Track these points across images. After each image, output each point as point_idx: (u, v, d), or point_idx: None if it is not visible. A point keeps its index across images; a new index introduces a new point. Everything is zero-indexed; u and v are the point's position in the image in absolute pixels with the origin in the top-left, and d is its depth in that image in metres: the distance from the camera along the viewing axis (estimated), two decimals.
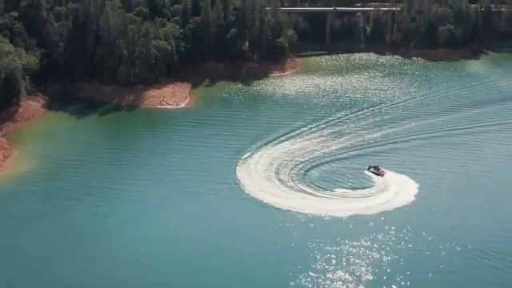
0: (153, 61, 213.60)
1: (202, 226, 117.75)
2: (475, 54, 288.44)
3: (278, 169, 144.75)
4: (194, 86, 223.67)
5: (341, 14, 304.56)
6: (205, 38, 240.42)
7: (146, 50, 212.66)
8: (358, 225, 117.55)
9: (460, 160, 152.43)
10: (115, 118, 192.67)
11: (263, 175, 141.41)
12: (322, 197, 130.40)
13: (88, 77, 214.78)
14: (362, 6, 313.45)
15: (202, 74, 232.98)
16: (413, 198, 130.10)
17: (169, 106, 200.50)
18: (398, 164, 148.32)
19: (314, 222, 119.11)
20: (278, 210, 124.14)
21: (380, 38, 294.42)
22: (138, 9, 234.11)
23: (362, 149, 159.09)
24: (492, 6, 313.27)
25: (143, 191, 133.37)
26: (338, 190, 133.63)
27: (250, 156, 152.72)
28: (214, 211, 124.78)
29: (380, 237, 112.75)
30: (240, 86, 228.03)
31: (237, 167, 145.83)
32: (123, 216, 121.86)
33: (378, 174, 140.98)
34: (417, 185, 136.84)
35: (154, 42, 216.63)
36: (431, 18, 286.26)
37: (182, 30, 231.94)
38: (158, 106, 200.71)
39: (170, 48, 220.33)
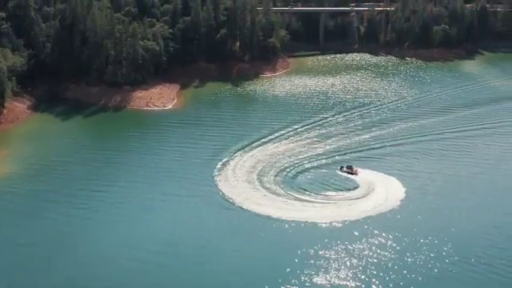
0: (140, 61, 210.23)
1: (177, 231, 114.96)
2: (470, 54, 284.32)
3: (260, 172, 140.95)
4: (183, 86, 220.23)
5: (334, 14, 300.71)
6: (195, 38, 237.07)
7: (134, 50, 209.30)
8: (341, 231, 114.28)
9: (450, 162, 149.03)
10: (100, 119, 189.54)
11: (244, 179, 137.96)
12: (304, 201, 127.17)
13: (75, 78, 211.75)
14: (356, 6, 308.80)
15: (192, 74, 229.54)
16: (399, 203, 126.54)
17: (155, 108, 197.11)
18: (385, 166, 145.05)
19: (292, 228, 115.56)
20: (257, 215, 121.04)
21: (374, 38, 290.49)
22: (126, 9, 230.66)
23: (347, 151, 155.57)
24: (488, 5, 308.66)
25: (123, 194, 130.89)
26: (321, 195, 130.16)
27: (232, 159, 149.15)
28: (190, 215, 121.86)
29: (363, 242, 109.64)
30: (229, 86, 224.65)
31: (218, 170, 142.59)
32: (101, 219, 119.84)
33: (351, 174, 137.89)
34: (404, 188, 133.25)
35: (141, 43, 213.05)
36: (425, 18, 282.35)
37: (171, 30, 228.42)
38: (145, 108, 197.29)
39: (158, 48, 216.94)
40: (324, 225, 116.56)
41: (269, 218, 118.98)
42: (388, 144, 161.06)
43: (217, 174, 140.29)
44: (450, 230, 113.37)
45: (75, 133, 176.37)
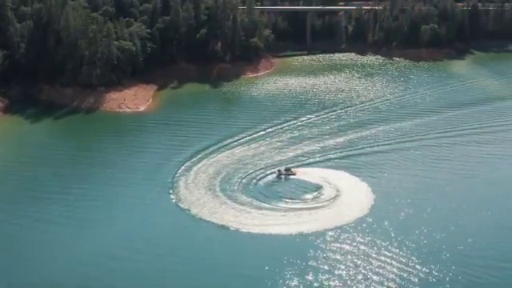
0: (115, 62, 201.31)
1: (128, 238, 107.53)
2: (460, 54, 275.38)
3: (224, 178, 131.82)
4: (161, 87, 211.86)
5: (322, 14, 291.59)
6: (174, 38, 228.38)
7: (108, 50, 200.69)
8: (303, 241, 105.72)
9: (427, 167, 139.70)
10: (70, 121, 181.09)
11: (206, 184, 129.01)
12: (268, 210, 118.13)
13: (50, 79, 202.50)
14: (345, 5, 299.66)
15: (171, 75, 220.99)
16: (366, 211, 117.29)
17: (128, 110, 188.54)
18: (357, 172, 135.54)
19: (251, 239, 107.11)
20: (214, 224, 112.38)
21: (362, 37, 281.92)
22: (104, 8, 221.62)
23: (318, 156, 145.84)
24: (479, 4, 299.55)
25: (76, 199, 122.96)
26: (285, 203, 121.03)
27: (196, 163, 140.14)
28: (143, 223, 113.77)
29: (327, 254, 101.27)
30: (208, 87, 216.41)
31: (178, 176, 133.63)
32: (44, 228, 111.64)
33: (291, 175, 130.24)
34: (373, 196, 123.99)
35: (116, 43, 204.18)
36: (414, 17, 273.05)
37: (148, 30, 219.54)
38: (117, 110, 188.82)
39: (134, 49, 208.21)
40: (277, 236, 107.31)
41: (223, 227, 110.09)
42: (362, 148, 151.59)
43: (176, 179, 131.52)
44: (411, 242, 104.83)
45: (42, 135, 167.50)
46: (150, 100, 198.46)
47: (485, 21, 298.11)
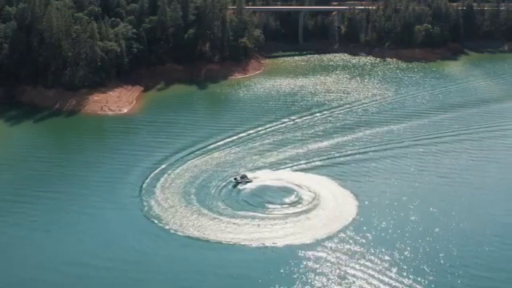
0: (99, 63, 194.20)
1: (93, 247, 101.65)
2: (454, 55, 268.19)
3: (200, 184, 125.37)
4: (146, 89, 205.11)
5: (315, 13, 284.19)
6: (162, 38, 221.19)
7: (92, 51, 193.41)
8: (273, 254, 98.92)
9: (413, 173, 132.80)
10: (49, 124, 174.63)
11: (181, 191, 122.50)
12: (242, 219, 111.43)
13: (32, 80, 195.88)
14: (338, 5, 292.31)
15: (157, 76, 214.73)
16: (349, 220, 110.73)
17: (110, 112, 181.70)
18: (340, 178, 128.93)
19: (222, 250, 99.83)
20: (181, 234, 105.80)
21: (355, 37, 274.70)
22: (89, 8, 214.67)
23: (300, 161, 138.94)
24: (474, 4, 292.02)
25: (41, 206, 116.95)
26: (260, 211, 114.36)
27: (173, 168, 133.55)
28: (110, 233, 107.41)
29: (303, 268, 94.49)
30: (195, 89, 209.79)
31: (153, 180, 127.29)
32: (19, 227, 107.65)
33: (248, 182, 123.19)
34: (356, 202, 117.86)
35: (100, 43, 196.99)
36: (407, 17, 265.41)
37: (134, 31, 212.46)
38: (99, 112, 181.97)
39: (119, 49, 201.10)
40: (249, 248, 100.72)
41: (191, 237, 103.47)
42: (346, 153, 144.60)
43: (150, 184, 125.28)
44: (388, 253, 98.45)
45: (20, 138, 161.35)
46: (134, 102, 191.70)
47: (480, 21, 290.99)
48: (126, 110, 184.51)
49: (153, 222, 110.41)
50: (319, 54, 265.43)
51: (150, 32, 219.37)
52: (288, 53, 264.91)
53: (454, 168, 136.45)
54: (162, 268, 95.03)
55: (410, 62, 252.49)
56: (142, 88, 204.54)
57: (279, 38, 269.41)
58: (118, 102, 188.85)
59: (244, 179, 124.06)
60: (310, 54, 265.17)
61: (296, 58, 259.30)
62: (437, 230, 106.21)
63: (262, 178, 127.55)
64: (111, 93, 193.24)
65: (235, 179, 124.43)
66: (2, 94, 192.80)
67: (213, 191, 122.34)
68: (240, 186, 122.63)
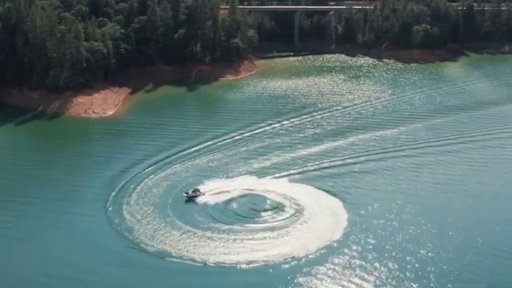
0: (84, 64, 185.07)
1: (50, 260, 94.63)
2: (454, 56, 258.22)
3: (178, 194, 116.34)
4: (134, 91, 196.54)
5: (311, 13, 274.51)
6: (151, 38, 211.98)
7: (77, 52, 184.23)
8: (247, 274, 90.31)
9: (407, 181, 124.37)
10: (31, 127, 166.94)
11: (156, 201, 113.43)
12: (218, 233, 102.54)
13: (17, 82, 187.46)
14: (335, 5, 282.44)
15: (146, 77, 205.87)
16: (340, 234, 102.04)
17: (93, 115, 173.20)
18: (329, 188, 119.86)
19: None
20: (149, 251, 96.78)
21: (352, 38, 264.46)
22: (77, 7, 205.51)
23: (287, 169, 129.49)
24: (475, 4, 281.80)
25: (18, 212, 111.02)
26: (240, 224, 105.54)
27: (150, 175, 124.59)
28: (73, 244, 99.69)
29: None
30: (184, 90, 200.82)
31: (127, 190, 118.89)
32: None
33: (199, 195, 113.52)
34: (345, 216, 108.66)
35: (86, 44, 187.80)
36: (406, 17, 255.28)
37: (122, 31, 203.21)
38: (83, 115, 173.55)
39: (105, 50, 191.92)
40: (220, 267, 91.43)
41: (159, 255, 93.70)
42: (337, 159, 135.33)
43: (123, 194, 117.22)
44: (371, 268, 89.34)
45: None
46: (120, 104, 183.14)
47: (480, 21, 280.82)
48: (110, 113, 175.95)
49: (123, 235, 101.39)
50: (315, 54, 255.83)
51: (139, 32, 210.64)
52: (283, 53, 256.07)
53: (450, 175, 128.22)
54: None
55: (408, 63, 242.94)
56: (129, 90, 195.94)
57: (274, 38, 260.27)
58: (102, 104, 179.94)
59: (196, 193, 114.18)
60: (306, 54, 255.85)
61: (291, 58, 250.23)
62: (429, 244, 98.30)
63: (232, 186, 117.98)
64: (97, 95, 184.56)
65: (186, 193, 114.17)
66: None
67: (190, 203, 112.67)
68: (192, 200, 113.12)
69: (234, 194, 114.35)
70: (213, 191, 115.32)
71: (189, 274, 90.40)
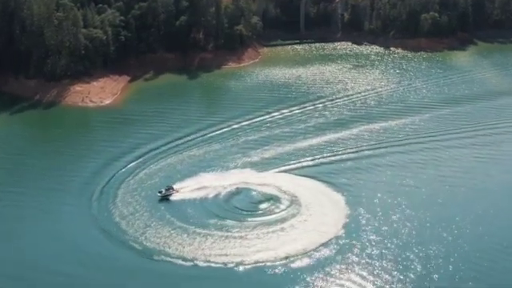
0: (83, 51, 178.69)
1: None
2: (462, 45, 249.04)
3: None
4: (134, 79, 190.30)
5: (317, 0, 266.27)
6: (152, 25, 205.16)
7: (75, 39, 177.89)
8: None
9: (411, 175, 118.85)
10: (26, 116, 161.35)
11: (148, 194, 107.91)
12: (211, 229, 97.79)
13: (15, 70, 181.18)
14: None
15: (147, 65, 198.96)
16: (341, 230, 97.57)
17: (90, 104, 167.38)
18: (328, 182, 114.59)
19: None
20: (137, 249, 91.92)
21: (358, 26, 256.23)
22: None
23: (285, 161, 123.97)
24: None
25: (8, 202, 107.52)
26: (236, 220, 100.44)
27: (142, 167, 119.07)
28: (56, 237, 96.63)
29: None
30: (185, 78, 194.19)
31: (117, 182, 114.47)
32: None
33: (173, 193, 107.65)
34: (346, 212, 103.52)
35: (85, 31, 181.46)
36: (413, 5, 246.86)
37: (122, 18, 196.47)
38: (80, 104, 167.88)
39: (104, 37, 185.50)
40: (212, 268, 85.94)
41: (145, 253, 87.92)
42: (338, 152, 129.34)
43: (113, 186, 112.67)
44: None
45: None
46: (118, 93, 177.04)
47: (490, 9, 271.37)
48: (108, 102, 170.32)
49: (111, 229, 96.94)
50: (321, 42, 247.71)
51: (140, 19, 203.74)
52: (288, 41, 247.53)
53: (457, 168, 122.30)
54: None
55: (416, 51, 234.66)
56: (129, 78, 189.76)
57: (279, 25, 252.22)
58: (100, 92, 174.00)
59: (170, 191, 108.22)
60: (311, 42, 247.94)
61: (296, 46, 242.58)
62: (434, 240, 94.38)
63: (221, 181, 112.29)
64: (95, 83, 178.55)
65: (160, 192, 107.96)
66: None
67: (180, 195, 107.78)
68: (166, 198, 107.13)
69: (218, 190, 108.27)
70: (190, 187, 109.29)
71: None
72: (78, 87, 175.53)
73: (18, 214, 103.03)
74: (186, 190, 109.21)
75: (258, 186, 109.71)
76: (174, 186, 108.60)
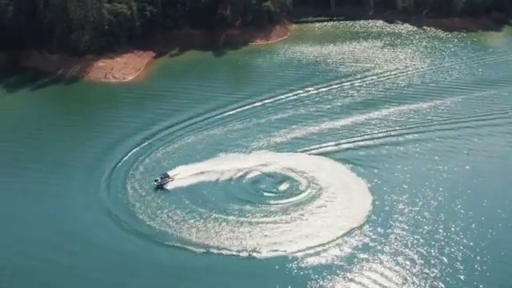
0: (106, 27, 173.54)
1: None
2: (498, 25, 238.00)
3: (188, 168, 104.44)
4: (159, 55, 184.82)
5: None
6: (178, 1, 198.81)
7: (99, 14, 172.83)
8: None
9: (440, 163, 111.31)
10: (47, 92, 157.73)
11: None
12: (228, 215, 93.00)
13: (38, 45, 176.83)
14: None
15: (172, 41, 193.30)
16: (364, 219, 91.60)
17: (113, 80, 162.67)
18: (353, 166, 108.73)
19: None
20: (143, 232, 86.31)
21: (391, 4, 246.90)
22: None
23: (309, 143, 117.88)
24: None
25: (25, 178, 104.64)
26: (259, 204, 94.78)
27: (160, 145, 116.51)
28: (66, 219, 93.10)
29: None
30: (211, 55, 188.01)
31: (132, 162, 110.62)
32: None
33: (168, 181, 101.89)
34: (370, 198, 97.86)
35: (109, 6, 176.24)
36: None
37: None
38: (102, 79, 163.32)
39: (129, 12, 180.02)
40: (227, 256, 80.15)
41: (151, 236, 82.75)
42: (365, 135, 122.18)
43: (127, 166, 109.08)
44: None
45: (13, 106, 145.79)
46: (142, 69, 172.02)
47: None
48: (131, 78, 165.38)
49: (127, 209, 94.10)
50: (352, 20, 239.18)
51: None
52: (318, 18, 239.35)
53: (489, 156, 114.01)
54: None
55: (449, 31, 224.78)
56: (154, 54, 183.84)
57: (310, 2, 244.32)
58: (123, 68, 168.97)
59: (166, 179, 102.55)
60: (342, 20, 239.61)
61: (326, 24, 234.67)
62: (462, 234, 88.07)
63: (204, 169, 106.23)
64: (118, 59, 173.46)
65: (156, 181, 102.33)
66: (6, 59, 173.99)
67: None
68: (162, 186, 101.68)
69: (237, 172, 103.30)
70: (208, 168, 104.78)
71: None
72: (101, 63, 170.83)
73: (38, 190, 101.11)
74: (204, 171, 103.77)
75: (279, 169, 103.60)
76: (170, 174, 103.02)
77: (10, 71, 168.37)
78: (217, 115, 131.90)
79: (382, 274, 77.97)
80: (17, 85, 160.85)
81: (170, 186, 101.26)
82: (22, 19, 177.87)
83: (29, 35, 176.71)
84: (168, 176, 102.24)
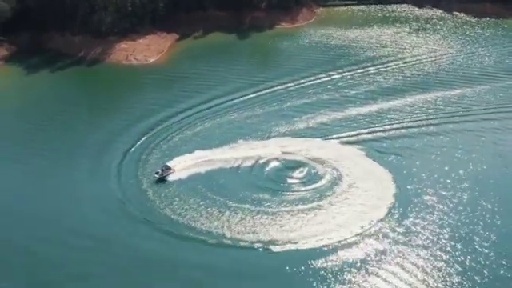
0: (129, 8, 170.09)
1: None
2: None
3: (207, 153, 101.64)
4: (182, 37, 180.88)
5: None
6: None
7: None
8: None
9: (467, 153, 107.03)
10: (68, 74, 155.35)
11: (179, 159, 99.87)
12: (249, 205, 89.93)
13: (60, 26, 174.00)
14: None
15: (197, 23, 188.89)
16: (385, 210, 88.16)
17: (135, 62, 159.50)
18: (378, 156, 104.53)
19: None
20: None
21: None
22: None
23: (332, 132, 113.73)
24: None
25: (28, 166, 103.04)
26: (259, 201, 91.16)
27: (177, 129, 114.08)
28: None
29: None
30: (235, 38, 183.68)
31: (146, 146, 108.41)
32: None
33: (170, 173, 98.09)
34: (393, 191, 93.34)
35: None
36: None
37: None
38: (124, 62, 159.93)
39: None
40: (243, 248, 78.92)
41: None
42: (390, 124, 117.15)
43: (142, 151, 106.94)
44: None
45: (33, 87, 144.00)
46: (165, 51, 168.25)
47: None
48: (152, 60, 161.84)
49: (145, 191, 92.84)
50: (380, 4, 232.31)
51: None
52: (345, 2, 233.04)
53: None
54: None
55: (480, 17, 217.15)
56: (177, 36, 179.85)
57: None
58: (145, 50, 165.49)
59: (167, 171, 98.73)
60: (370, 4, 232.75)
61: (354, 7, 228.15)
62: (487, 228, 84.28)
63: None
64: (141, 40, 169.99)
65: (157, 173, 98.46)
66: (29, 40, 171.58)
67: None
68: (163, 178, 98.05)
69: (256, 159, 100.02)
70: (226, 155, 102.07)
71: None
72: (123, 44, 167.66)
73: (52, 173, 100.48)
74: (222, 157, 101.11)
75: (298, 157, 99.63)
76: (170, 165, 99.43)
77: (33, 53, 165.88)
78: (238, 100, 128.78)
79: (403, 268, 74.20)
80: (38, 66, 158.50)
81: (209, 166, 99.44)
82: (45, 0, 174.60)
83: (51, 17, 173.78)
84: (170, 168, 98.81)
